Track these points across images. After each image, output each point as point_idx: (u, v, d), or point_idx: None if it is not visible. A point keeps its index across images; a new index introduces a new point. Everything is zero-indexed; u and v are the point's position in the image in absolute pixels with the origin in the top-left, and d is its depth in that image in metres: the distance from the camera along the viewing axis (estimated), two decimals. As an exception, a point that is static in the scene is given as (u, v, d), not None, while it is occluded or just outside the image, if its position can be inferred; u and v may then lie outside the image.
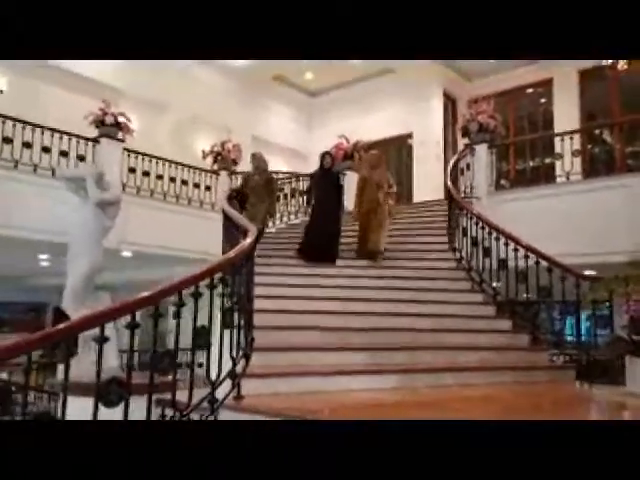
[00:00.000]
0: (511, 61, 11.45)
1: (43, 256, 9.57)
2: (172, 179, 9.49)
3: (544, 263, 5.25)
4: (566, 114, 11.26)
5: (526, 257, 5.39)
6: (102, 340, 2.34)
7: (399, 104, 12.63)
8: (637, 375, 4.12)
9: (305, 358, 4.17)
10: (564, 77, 11.38)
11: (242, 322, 3.51)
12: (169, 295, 2.73)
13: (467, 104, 12.18)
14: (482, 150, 8.49)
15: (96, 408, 2.33)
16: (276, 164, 13.07)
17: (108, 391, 2.41)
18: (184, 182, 9.65)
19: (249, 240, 3.66)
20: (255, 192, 7.00)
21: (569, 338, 5.27)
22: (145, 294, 2.61)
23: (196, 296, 2.89)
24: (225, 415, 3.13)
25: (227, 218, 5.37)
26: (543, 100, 12.05)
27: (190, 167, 9.86)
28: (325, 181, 7.15)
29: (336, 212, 6.98)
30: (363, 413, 3.22)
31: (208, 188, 10.05)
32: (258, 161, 7.27)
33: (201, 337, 2.97)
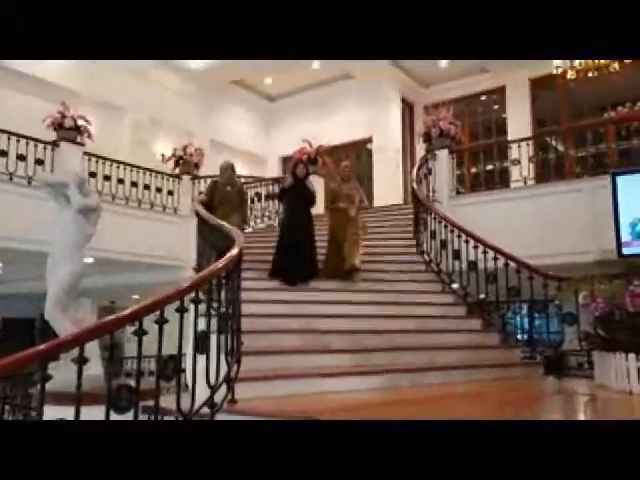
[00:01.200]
0: (466, 68, 11.87)
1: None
2: (134, 183, 9.32)
3: (513, 264, 5.48)
4: (518, 121, 11.74)
5: (495, 259, 5.62)
6: (81, 361, 2.30)
7: (358, 109, 12.82)
8: (604, 368, 4.36)
9: (290, 361, 4.21)
10: (516, 85, 11.86)
11: (234, 327, 3.51)
12: (171, 301, 2.72)
13: (424, 110, 12.54)
14: (443, 155, 8.75)
15: (108, 414, 2.31)
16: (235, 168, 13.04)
17: (119, 397, 2.38)
18: (146, 186, 9.49)
19: (237, 249, 3.63)
20: (225, 203, 6.38)
21: (537, 336, 5.51)
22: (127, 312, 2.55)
23: (196, 302, 2.88)
24: (222, 418, 3.14)
25: (204, 222, 5.32)
26: (496, 107, 12.51)
27: (152, 171, 9.71)
28: (297, 193, 6.39)
29: (310, 227, 6.36)
30: (352, 413, 3.28)
31: (170, 193, 9.92)
32: (229, 171, 6.76)
33: (201, 342, 2.97)
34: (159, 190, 9.76)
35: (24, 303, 14.33)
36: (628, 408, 3.62)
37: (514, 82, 11.83)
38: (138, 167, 9.47)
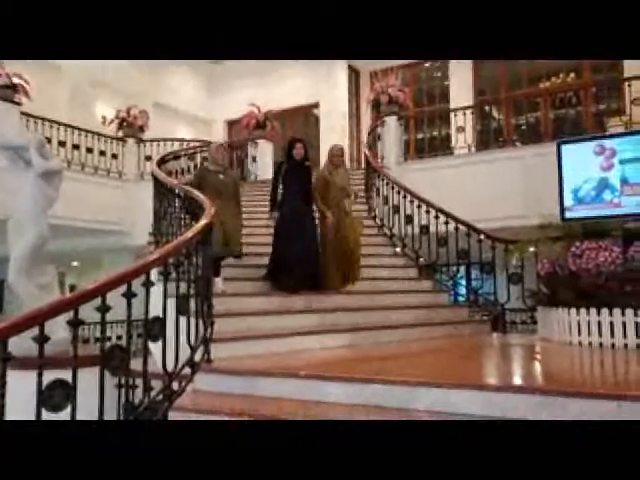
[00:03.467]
0: (411, 36, 12.01)
1: None
2: (75, 146, 8.96)
3: (463, 228, 5.78)
4: (461, 89, 12.07)
5: (446, 223, 5.90)
6: (42, 340, 2.28)
7: (305, 74, 12.73)
8: (547, 323, 4.75)
9: (262, 322, 4.35)
10: (459, 54, 12.13)
11: (208, 290, 3.58)
12: (138, 276, 2.71)
13: (370, 77, 12.65)
14: (392, 122, 8.94)
15: (102, 375, 2.36)
16: (180, 132, 12.75)
17: (112, 357, 2.43)
18: (89, 150, 9.15)
19: (207, 219, 3.50)
20: (221, 196, 4.90)
21: (485, 295, 5.88)
22: (91, 286, 2.49)
23: (177, 265, 2.92)
24: (200, 377, 3.24)
25: (161, 185, 5.23)
26: (439, 74, 12.78)
27: (94, 133, 9.36)
28: (296, 179, 5.29)
29: (312, 220, 5.38)
30: (331, 367, 3.45)
31: (114, 156, 9.62)
32: (220, 153, 5.31)
33: (183, 305, 3.03)
34: (102, 153, 9.45)
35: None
36: (567, 355, 3.99)
37: (457, 51, 12.09)
38: (80, 129, 9.11)
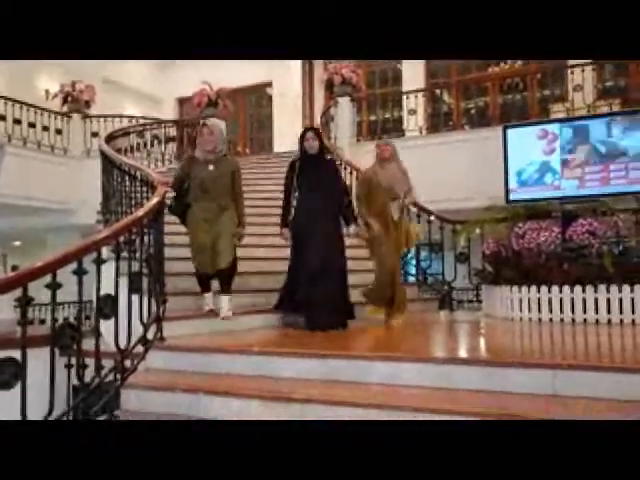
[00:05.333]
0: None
1: None
2: (17, 120, 8.58)
3: (413, 209, 5.91)
4: (413, 72, 12.20)
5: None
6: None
7: (257, 52, 12.58)
8: (491, 300, 4.97)
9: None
10: (411, 37, 12.24)
11: (160, 269, 3.56)
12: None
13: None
14: (345, 103, 9.00)
15: (52, 353, 2.34)
16: (129, 109, 12.38)
17: (62, 334, 2.40)
18: (31, 125, 8.78)
19: (159, 198, 3.46)
20: (205, 194, 4.01)
21: (433, 275, 6.05)
22: (40, 263, 2.41)
23: (130, 242, 2.89)
24: (153, 355, 3.24)
25: (109, 162, 5.12)
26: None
27: (38, 108, 8.98)
28: (313, 179, 4.18)
29: (337, 231, 4.26)
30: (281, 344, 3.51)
31: (59, 132, 9.27)
32: (214, 138, 4.08)
33: (135, 283, 3.01)
34: (46, 129, 9.09)
35: None
36: (509, 330, 4.20)
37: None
38: (22, 103, 8.71)
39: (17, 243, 12.68)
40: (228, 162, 4.17)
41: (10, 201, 8.50)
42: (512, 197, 5.14)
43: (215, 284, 4.13)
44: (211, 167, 4.03)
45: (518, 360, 2.70)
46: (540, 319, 4.45)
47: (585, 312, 4.31)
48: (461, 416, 2.24)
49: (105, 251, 2.99)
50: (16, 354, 2.39)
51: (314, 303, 3.96)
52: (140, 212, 3.28)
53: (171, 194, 4.08)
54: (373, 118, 11.27)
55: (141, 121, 9.73)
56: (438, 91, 11.80)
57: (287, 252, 4.39)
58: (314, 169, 4.19)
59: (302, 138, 4.24)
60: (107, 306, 2.70)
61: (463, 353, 3.41)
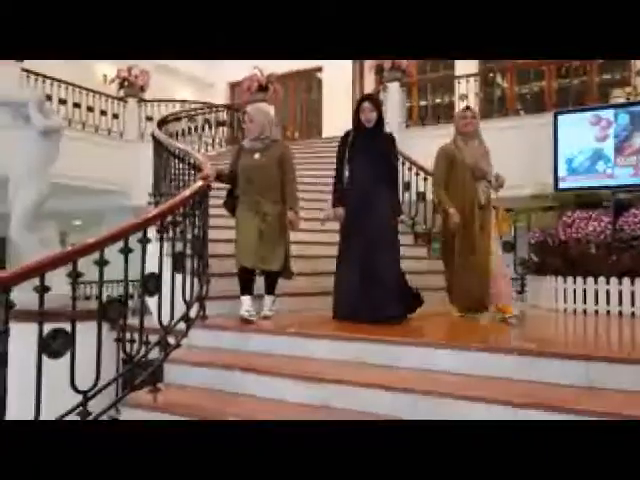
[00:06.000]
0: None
1: None
2: (76, 105, 8.95)
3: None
4: (466, 56, 11.90)
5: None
6: (42, 290, 2.38)
7: (308, 36, 12.58)
8: (535, 290, 4.88)
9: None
10: (465, 20, 11.93)
11: (204, 250, 3.68)
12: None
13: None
14: (394, 88, 8.93)
15: (99, 328, 2.49)
16: (181, 93, 12.66)
17: (110, 308, 2.56)
18: (90, 109, 9.14)
19: (200, 183, 3.47)
20: (250, 185, 3.68)
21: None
22: (90, 240, 2.57)
23: (175, 223, 3.01)
24: (195, 332, 3.37)
25: (160, 146, 5.29)
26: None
27: (95, 92, 9.32)
28: (367, 156, 3.61)
29: (390, 221, 3.72)
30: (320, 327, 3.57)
31: (115, 116, 9.61)
32: (260, 124, 3.68)
33: (179, 262, 3.14)
34: (103, 113, 9.44)
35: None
36: (551, 321, 4.12)
37: (464, 16, 11.89)
38: (81, 87, 9.07)
39: (77, 222, 13.27)
40: (275, 148, 3.71)
41: (69, 182, 8.88)
42: (561, 185, 5.01)
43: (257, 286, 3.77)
44: (257, 155, 3.67)
45: (552, 350, 2.67)
46: (585, 310, 4.34)
47: (633, 305, 4.17)
48: (494, 404, 2.25)
49: (152, 231, 3.13)
50: (68, 326, 2.56)
51: (362, 296, 3.52)
52: (186, 192, 3.39)
53: (215, 184, 3.79)
54: (423, 103, 11.12)
55: (193, 105, 9.93)
56: (492, 75, 11.50)
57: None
58: (369, 146, 3.58)
59: (357, 108, 3.67)
60: (151, 284, 2.82)
61: (499, 342, 3.38)
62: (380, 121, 3.67)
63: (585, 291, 4.33)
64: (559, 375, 2.45)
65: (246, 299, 3.66)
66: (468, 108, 3.97)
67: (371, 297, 3.50)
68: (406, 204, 6.45)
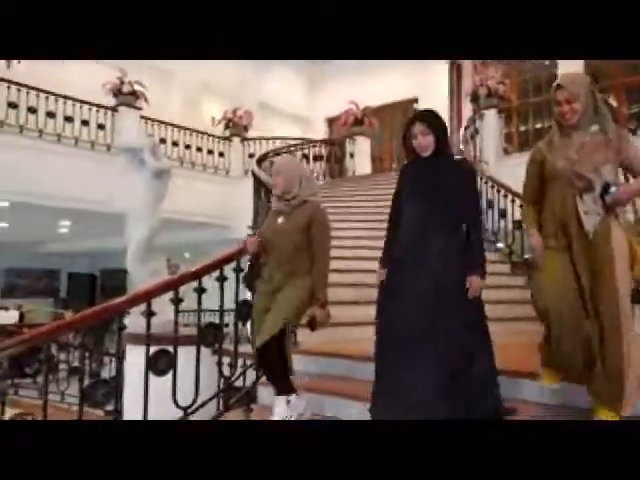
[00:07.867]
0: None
1: (64, 222, 9.84)
2: (187, 146, 9.73)
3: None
4: (570, 77, 11.45)
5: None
6: (149, 314, 2.66)
7: (404, 69, 12.72)
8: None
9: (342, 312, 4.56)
10: (568, 41, 11.52)
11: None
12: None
13: (472, 67, 12.38)
14: (491, 115, 8.81)
15: (198, 349, 2.73)
16: (282, 130, 13.28)
17: (207, 333, 2.80)
18: (199, 149, 9.90)
19: None
20: (271, 252, 2.92)
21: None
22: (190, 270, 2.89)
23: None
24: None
25: (258, 182, 5.64)
26: (547, 63, 12.24)
27: (204, 133, 10.09)
28: (422, 188, 2.61)
29: (457, 278, 2.56)
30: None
31: (221, 154, 10.31)
32: (281, 178, 2.93)
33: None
34: (210, 152, 10.17)
35: (85, 259, 15.28)
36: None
37: (566, 37, 11.50)
38: (191, 130, 9.87)
39: (187, 255, 14.22)
40: (304, 210, 2.86)
41: (179, 217, 9.62)
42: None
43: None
44: (280, 219, 2.89)
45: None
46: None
47: None
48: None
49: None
50: (172, 349, 2.83)
51: (400, 392, 2.40)
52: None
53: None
54: (523, 128, 10.81)
55: (291, 142, 10.41)
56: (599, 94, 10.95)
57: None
58: (425, 180, 2.60)
59: (406, 133, 2.63)
60: (244, 311, 3.04)
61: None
62: (440, 146, 2.59)
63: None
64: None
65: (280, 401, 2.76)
66: (560, 87, 2.50)
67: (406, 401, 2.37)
68: (501, 232, 6.33)
